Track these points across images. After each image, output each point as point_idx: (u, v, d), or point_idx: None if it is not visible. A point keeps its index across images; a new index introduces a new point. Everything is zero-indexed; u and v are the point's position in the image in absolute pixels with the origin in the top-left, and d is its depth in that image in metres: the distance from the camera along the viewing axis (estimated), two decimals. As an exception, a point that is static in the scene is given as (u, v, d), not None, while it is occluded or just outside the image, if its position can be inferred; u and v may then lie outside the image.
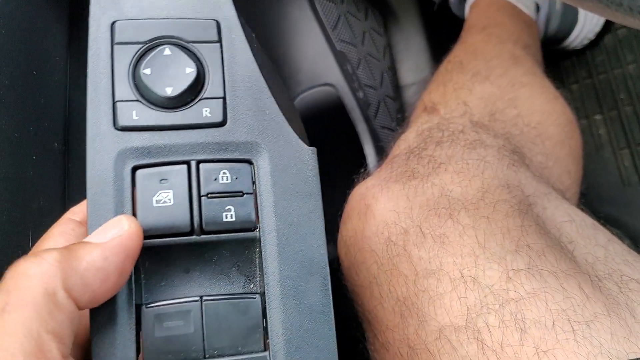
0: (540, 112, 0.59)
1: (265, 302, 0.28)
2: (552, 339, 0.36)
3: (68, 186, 0.49)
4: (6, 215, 0.40)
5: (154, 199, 0.27)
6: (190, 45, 0.29)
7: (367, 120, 0.76)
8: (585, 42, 0.90)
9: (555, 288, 0.38)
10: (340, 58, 0.76)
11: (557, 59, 0.93)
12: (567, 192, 0.55)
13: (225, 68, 0.29)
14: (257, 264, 0.29)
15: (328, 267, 0.29)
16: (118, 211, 0.27)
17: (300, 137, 0.30)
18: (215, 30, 0.30)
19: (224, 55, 0.30)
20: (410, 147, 0.52)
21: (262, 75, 0.30)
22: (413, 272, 0.41)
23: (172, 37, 0.29)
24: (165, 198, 0.27)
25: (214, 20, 0.30)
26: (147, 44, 0.29)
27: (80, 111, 0.51)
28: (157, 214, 0.27)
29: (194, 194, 0.28)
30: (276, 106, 0.29)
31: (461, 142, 0.49)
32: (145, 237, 0.27)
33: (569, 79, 0.92)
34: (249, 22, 0.55)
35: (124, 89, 0.28)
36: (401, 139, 0.56)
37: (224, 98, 0.29)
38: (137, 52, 0.28)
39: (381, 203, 0.44)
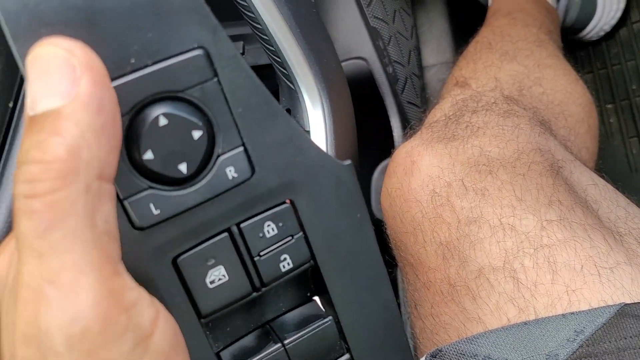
0: (563, 91, 0.65)
1: (338, 323, 0.29)
2: (580, 280, 0.42)
3: None
4: None
5: (207, 281, 0.25)
6: (183, 96, 0.23)
7: (395, 94, 0.82)
8: (601, 33, 0.96)
9: (583, 237, 0.44)
10: (373, 34, 0.82)
11: (573, 48, 0.99)
12: (585, 164, 0.62)
13: (232, 108, 0.24)
14: (313, 284, 0.29)
15: (388, 276, 0.30)
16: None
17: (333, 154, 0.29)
18: (206, 62, 0.23)
19: (225, 91, 0.23)
20: (447, 115, 0.58)
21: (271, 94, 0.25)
22: (455, 220, 0.47)
23: (158, 94, 0.22)
24: (219, 276, 0.25)
25: (201, 47, 0.23)
26: (129, 114, 0.22)
27: None
28: (217, 295, 0.25)
29: (246, 259, 0.26)
30: (299, 129, 0.25)
31: (495, 111, 0.55)
32: (210, 314, 0.26)
33: (584, 69, 0.99)
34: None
35: (127, 182, 0.22)
36: (436, 109, 0.62)
37: (244, 145, 0.24)
38: (124, 126, 0.22)
39: (426, 159, 0.50)
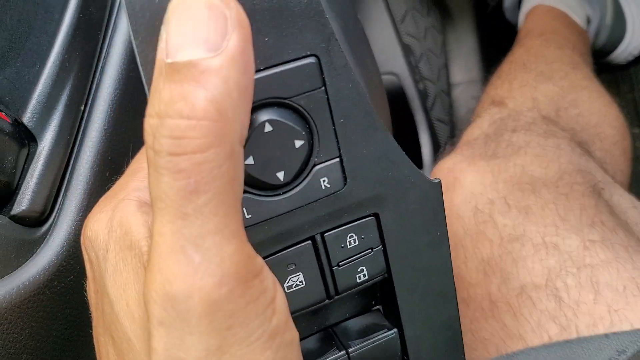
0: (598, 113, 0.66)
1: (401, 336, 0.29)
2: (622, 301, 0.43)
3: None
4: None
5: (285, 286, 0.25)
6: (290, 103, 0.23)
7: (425, 111, 0.84)
8: (630, 58, 0.98)
9: (625, 259, 0.45)
10: (406, 50, 0.83)
11: (601, 71, 1.01)
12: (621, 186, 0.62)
13: (334, 118, 0.24)
14: (380, 293, 0.30)
15: (456, 297, 0.30)
16: None
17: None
18: (317, 71, 0.23)
19: (331, 101, 0.23)
20: (486, 133, 0.59)
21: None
22: (498, 237, 0.48)
23: (266, 99, 0.22)
24: (297, 282, 0.26)
25: (313, 55, 0.23)
26: None
27: None
28: (292, 299, 0.25)
29: (325, 268, 0.26)
30: (395, 144, 0.25)
31: (535, 131, 0.57)
32: None
33: (610, 92, 1.00)
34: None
35: None
36: (473, 126, 0.63)
37: (340, 156, 0.24)
38: None
39: (469, 176, 0.51)
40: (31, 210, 0.33)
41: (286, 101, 0.23)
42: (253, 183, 0.23)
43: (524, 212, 0.48)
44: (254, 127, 0.22)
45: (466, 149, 0.56)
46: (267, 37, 0.22)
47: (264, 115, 0.22)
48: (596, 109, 0.67)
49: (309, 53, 0.22)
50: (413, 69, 0.84)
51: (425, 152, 0.84)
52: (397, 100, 0.84)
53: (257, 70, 0.22)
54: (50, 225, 0.35)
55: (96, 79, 0.38)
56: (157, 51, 0.18)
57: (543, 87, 0.67)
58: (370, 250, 0.27)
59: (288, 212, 0.24)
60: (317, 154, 0.24)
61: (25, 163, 0.34)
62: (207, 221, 0.18)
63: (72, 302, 0.35)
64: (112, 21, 0.41)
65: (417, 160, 0.83)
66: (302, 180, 0.24)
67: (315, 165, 0.24)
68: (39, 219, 0.34)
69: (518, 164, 0.52)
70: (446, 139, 0.88)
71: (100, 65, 0.39)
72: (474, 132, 0.61)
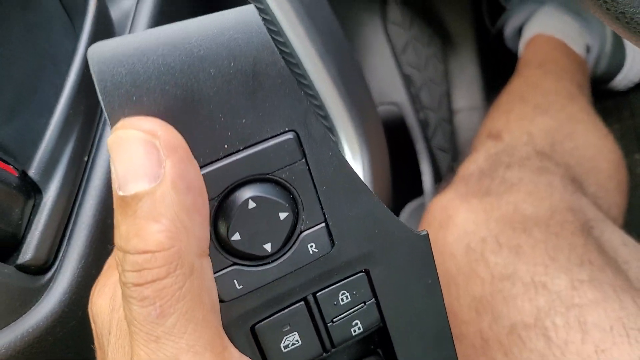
0: (594, 147, 0.68)
1: None
2: (609, 341, 0.44)
3: None
4: None
5: (282, 346, 0.26)
6: (272, 177, 0.23)
7: (426, 140, 0.85)
8: (630, 85, 0.99)
9: (613, 298, 0.46)
10: (406, 80, 0.85)
11: (601, 98, 1.02)
12: (615, 222, 0.64)
13: (317, 186, 0.24)
14: (377, 338, 0.31)
15: (451, 333, 0.31)
16: None
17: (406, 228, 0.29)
18: (296, 145, 0.23)
19: (312, 171, 0.24)
20: (481, 168, 0.60)
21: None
22: (489, 275, 0.49)
23: (247, 177, 0.23)
24: (293, 341, 0.27)
25: (292, 131, 0.23)
26: (218, 197, 0.23)
27: None
28: (290, 358, 0.27)
29: (319, 325, 0.27)
30: (379, 202, 0.26)
31: (529, 167, 0.58)
32: None
33: (611, 119, 1.01)
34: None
35: (213, 259, 0.23)
36: (469, 161, 0.64)
37: (326, 221, 0.25)
38: (212, 209, 0.23)
39: (462, 214, 0.53)
40: (36, 259, 0.35)
41: (268, 176, 0.23)
42: (241, 255, 0.24)
43: (514, 251, 0.50)
44: (237, 206, 0.23)
45: (461, 185, 0.58)
46: (245, 118, 0.23)
47: (246, 193, 0.23)
48: (592, 142, 0.68)
49: (287, 129, 0.23)
50: (413, 98, 0.85)
51: (426, 181, 0.86)
52: (397, 129, 0.85)
53: (237, 151, 0.23)
54: (54, 273, 0.37)
55: (99, 130, 0.40)
56: (112, 182, 0.20)
57: (539, 120, 0.69)
58: (363, 304, 0.28)
59: (278, 278, 0.25)
60: (302, 222, 0.25)
61: (30, 214, 0.36)
62: (177, 340, 0.20)
63: (73, 347, 0.36)
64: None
65: (418, 189, 0.85)
66: (290, 248, 0.25)
67: (301, 232, 0.25)
68: (42, 267, 0.36)
69: (510, 201, 0.53)
70: (447, 167, 0.90)
71: (103, 116, 0.41)
72: (470, 166, 0.63)
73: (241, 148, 0.23)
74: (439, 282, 0.29)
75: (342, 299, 0.27)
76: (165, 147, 0.20)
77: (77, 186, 0.38)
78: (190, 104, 0.22)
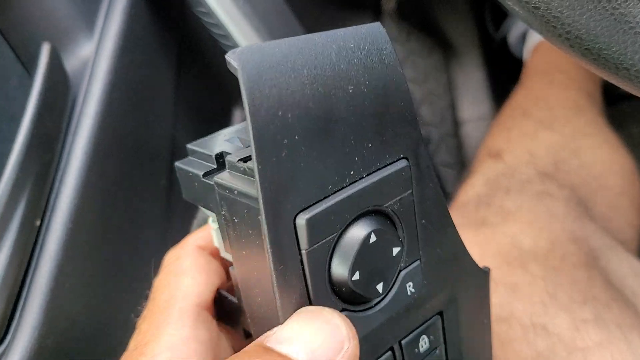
0: (602, 162, 0.64)
1: None
2: None
3: (169, 216, 0.55)
4: (123, 241, 0.46)
5: None
6: (385, 210, 0.23)
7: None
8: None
9: (619, 339, 0.43)
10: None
11: (617, 102, 0.97)
12: (629, 243, 0.60)
13: (417, 220, 0.24)
14: None
15: None
16: None
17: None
18: (409, 174, 0.23)
19: (416, 203, 0.23)
20: (479, 195, 0.57)
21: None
22: (485, 317, 0.46)
23: (367, 208, 0.22)
24: None
25: (405, 158, 0.23)
26: (339, 231, 0.22)
27: (184, 148, 0.57)
28: None
29: None
30: (459, 239, 0.26)
31: (529, 192, 0.55)
32: None
33: (628, 122, 0.97)
34: None
35: (323, 304, 0.22)
36: (468, 185, 0.61)
37: (420, 259, 0.24)
38: (330, 247, 0.21)
39: (455, 249, 0.50)
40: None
41: (382, 208, 0.22)
42: (353, 299, 0.23)
43: (510, 289, 0.47)
44: (359, 240, 0.22)
45: (457, 215, 0.55)
46: (371, 142, 0.22)
47: (367, 226, 0.22)
48: (600, 158, 0.64)
49: (401, 156, 0.23)
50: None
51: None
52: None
53: (360, 178, 0.22)
54: (6, 346, 0.35)
55: (54, 190, 0.39)
56: (262, 336, 0.21)
57: (543, 136, 0.65)
58: (436, 349, 0.27)
59: (379, 325, 0.24)
60: (403, 259, 0.24)
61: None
62: None
63: None
64: (72, 129, 0.41)
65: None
66: (392, 288, 0.24)
67: (401, 270, 0.24)
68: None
69: (507, 233, 0.50)
70: (454, 184, 0.86)
71: (58, 176, 0.39)
72: (468, 192, 0.60)
73: (364, 175, 0.22)
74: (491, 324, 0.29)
75: (422, 345, 0.26)
76: (349, 340, 0.21)
77: (28, 253, 0.36)
78: (328, 124, 0.21)
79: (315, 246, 0.21)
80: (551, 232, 0.50)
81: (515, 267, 0.48)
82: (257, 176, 0.19)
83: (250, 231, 0.22)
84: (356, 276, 0.22)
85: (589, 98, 0.74)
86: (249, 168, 0.22)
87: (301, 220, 0.20)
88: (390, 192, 0.22)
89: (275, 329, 0.21)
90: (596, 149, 0.65)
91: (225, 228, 0.24)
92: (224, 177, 0.23)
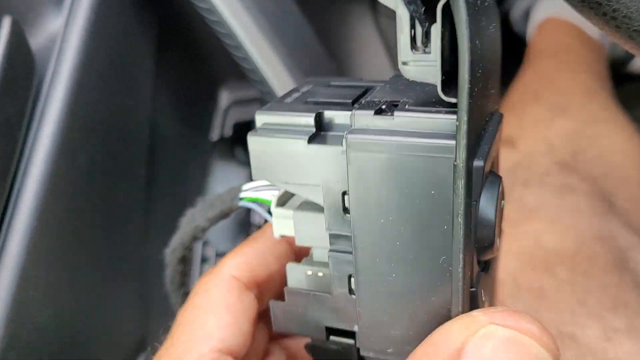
0: (621, 152, 0.60)
1: None
2: None
3: (150, 209, 0.50)
4: (98, 240, 0.42)
5: None
6: None
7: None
8: (652, 67, 0.90)
9: None
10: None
11: (620, 82, 0.93)
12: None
13: None
14: None
15: None
16: None
17: None
18: None
19: None
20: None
21: None
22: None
23: None
24: None
25: None
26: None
27: (164, 134, 0.52)
28: None
29: None
30: None
31: (549, 187, 0.50)
32: None
33: (631, 104, 0.93)
34: (317, 35, 0.57)
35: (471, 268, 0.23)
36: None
37: None
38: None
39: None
40: None
41: None
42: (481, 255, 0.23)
43: (536, 295, 0.42)
44: (499, 182, 0.23)
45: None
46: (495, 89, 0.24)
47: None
48: (618, 147, 0.60)
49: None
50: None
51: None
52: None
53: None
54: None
55: (16, 185, 0.33)
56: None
57: (558, 123, 0.60)
58: None
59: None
60: None
61: None
62: None
63: None
64: (37, 115, 0.36)
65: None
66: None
67: None
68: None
69: (530, 232, 0.46)
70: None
71: (21, 168, 0.34)
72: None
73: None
74: None
75: None
76: None
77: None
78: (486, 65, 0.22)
79: (480, 197, 0.21)
80: (577, 231, 0.45)
81: (541, 271, 0.43)
82: (464, 115, 0.19)
83: (414, 191, 0.21)
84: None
85: (600, 80, 0.70)
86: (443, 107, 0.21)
87: (479, 163, 0.20)
88: None
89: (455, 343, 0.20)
90: (613, 137, 0.60)
91: (336, 201, 0.23)
92: (361, 132, 0.22)
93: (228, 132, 0.60)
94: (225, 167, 0.63)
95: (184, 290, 0.33)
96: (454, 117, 0.20)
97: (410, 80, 0.25)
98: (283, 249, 0.30)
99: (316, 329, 0.26)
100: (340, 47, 0.74)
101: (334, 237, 0.24)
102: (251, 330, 0.27)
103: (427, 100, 0.22)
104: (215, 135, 0.59)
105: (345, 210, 0.23)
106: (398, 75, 0.26)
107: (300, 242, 0.26)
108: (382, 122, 0.21)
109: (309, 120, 0.23)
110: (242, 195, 0.29)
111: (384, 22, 0.78)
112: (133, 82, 0.47)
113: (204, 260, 0.57)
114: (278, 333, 0.30)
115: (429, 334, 0.22)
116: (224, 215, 0.30)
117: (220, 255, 0.61)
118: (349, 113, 0.22)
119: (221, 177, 0.62)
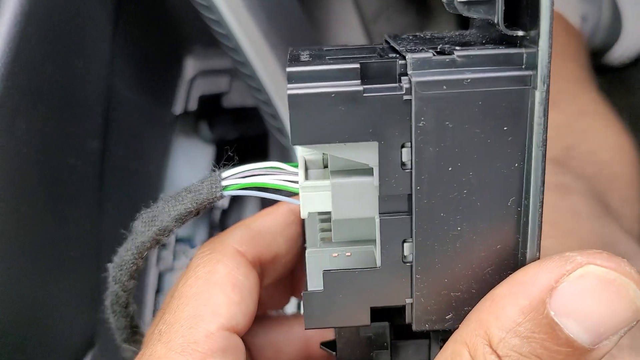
0: (610, 148, 0.58)
1: None
2: None
3: (103, 187, 0.45)
4: (40, 223, 0.38)
5: None
6: None
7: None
8: (626, 60, 0.89)
9: None
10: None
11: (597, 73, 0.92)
12: (636, 237, 0.54)
13: None
14: None
15: None
16: None
17: None
18: None
19: None
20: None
21: None
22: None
23: None
24: None
25: None
26: None
27: (121, 104, 0.46)
28: None
29: None
30: None
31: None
32: None
33: (608, 96, 0.92)
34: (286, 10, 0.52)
35: None
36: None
37: None
38: None
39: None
40: None
41: None
42: None
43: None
44: None
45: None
46: None
47: None
48: (607, 143, 0.58)
49: None
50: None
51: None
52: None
53: None
54: None
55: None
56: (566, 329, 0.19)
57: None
58: None
59: None
60: None
61: None
62: None
63: None
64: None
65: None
66: None
67: None
68: None
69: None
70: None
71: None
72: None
73: None
74: None
75: None
76: None
77: None
78: None
79: None
80: (580, 236, 0.42)
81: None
82: (547, 40, 0.20)
83: (483, 132, 0.21)
84: None
85: (585, 69, 0.68)
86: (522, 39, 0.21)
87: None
88: None
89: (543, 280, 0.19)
90: (603, 132, 0.58)
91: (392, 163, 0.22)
92: (424, 73, 0.21)
93: (193, 105, 0.54)
94: (188, 144, 0.57)
95: (131, 310, 0.28)
96: (519, 50, 0.20)
97: (415, 39, 0.24)
98: (294, 232, 0.28)
99: (360, 314, 0.24)
100: (315, 19, 0.69)
101: (384, 200, 0.22)
102: (254, 312, 0.26)
103: (467, 44, 0.22)
104: (178, 108, 0.53)
105: (403, 165, 0.22)
106: (395, 37, 0.25)
107: (339, 215, 0.23)
108: (444, 61, 0.21)
109: (353, 68, 0.21)
110: (224, 183, 0.25)
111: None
112: (85, 42, 0.41)
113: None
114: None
115: (492, 288, 0.21)
116: (198, 210, 0.26)
117: (180, 240, 0.55)
118: (396, 61, 0.21)
119: (183, 155, 0.56)
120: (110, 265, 0.27)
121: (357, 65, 0.21)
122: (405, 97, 0.21)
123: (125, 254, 0.26)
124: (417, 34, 0.26)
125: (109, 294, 0.28)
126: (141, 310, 0.52)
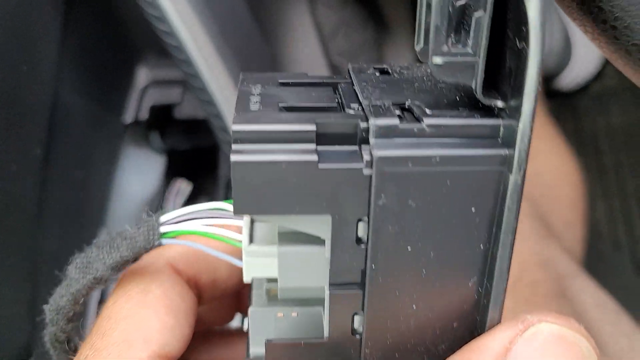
0: (555, 170, 0.59)
1: None
2: None
3: (45, 196, 0.43)
4: None
5: None
6: None
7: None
8: (575, 87, 0.92)
9: None
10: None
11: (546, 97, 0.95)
12: (577, 260, 0.56)
13: None
14: None
15: None
16: None
17: None
18: None
19: None
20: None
21: None
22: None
23: None
24: None
25: None
26: None
27: (68, 110, 0.45)
28: None
29: None
30: None
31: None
32: None
33: (556, 120, 0.94)
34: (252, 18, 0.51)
35: None
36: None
37: None
38: None
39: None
40: None
41: None
42: None
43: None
44: None
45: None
46: None
47: None
48: (553, 165, 0.59)
49: None
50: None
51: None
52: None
53: None
54: None
55: None
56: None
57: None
58: None
59: None
60: None
61: None
62: None
63: None
64: None
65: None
66: None
67: None
68: None
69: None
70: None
71: None
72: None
73: None
74: None
75: None
76: None
77: None
78: None
79: None
80: (519, 255, 0.43)
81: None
82: (529, 121, 0.17)
83: (447, 209, 0.19)
84: None
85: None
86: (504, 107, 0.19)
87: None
88: None
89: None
90: (549, 154, 0.60)
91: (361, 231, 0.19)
92: (387, 145, 0.18)
93: (144, 115, 0.53)
94: (137, 155, 0.56)
95: (73, 345, 0.26)
96: (496, 121, 0.18)
97: (381, 77, 0.22)
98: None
99: None
100: (272, 34, 0.69)
101: (335, 273, 0.20)
102: (190, 335, 0.24)
103: (437, 102, 0.20)
104: (129, 117, 0.52)
105: (359, 240, 0.20)
106: (359, 71, 0.23)
107: (285, 284, 0.22)
108: (411, 131, 0.18)
109: (308, 131, 0.19)
110: (163, 229, 0.23)
111: (321, 10, 0.73)
112: (33, 43, 0.40)
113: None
114: None
115: None
116: (134, 259, 0.24)
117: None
118: (355, 122, 0.19)
119: (132, 166, 0.55)
120: (46, 307, 0.25)
121: (313, 128, 0.19)
122: (366, 172, 0.18)
123: (60, 300, 0.24)
124: (384, 67, 0.24)
125: (47, 333, 0.26)
126: (84, 321, 0.51)
